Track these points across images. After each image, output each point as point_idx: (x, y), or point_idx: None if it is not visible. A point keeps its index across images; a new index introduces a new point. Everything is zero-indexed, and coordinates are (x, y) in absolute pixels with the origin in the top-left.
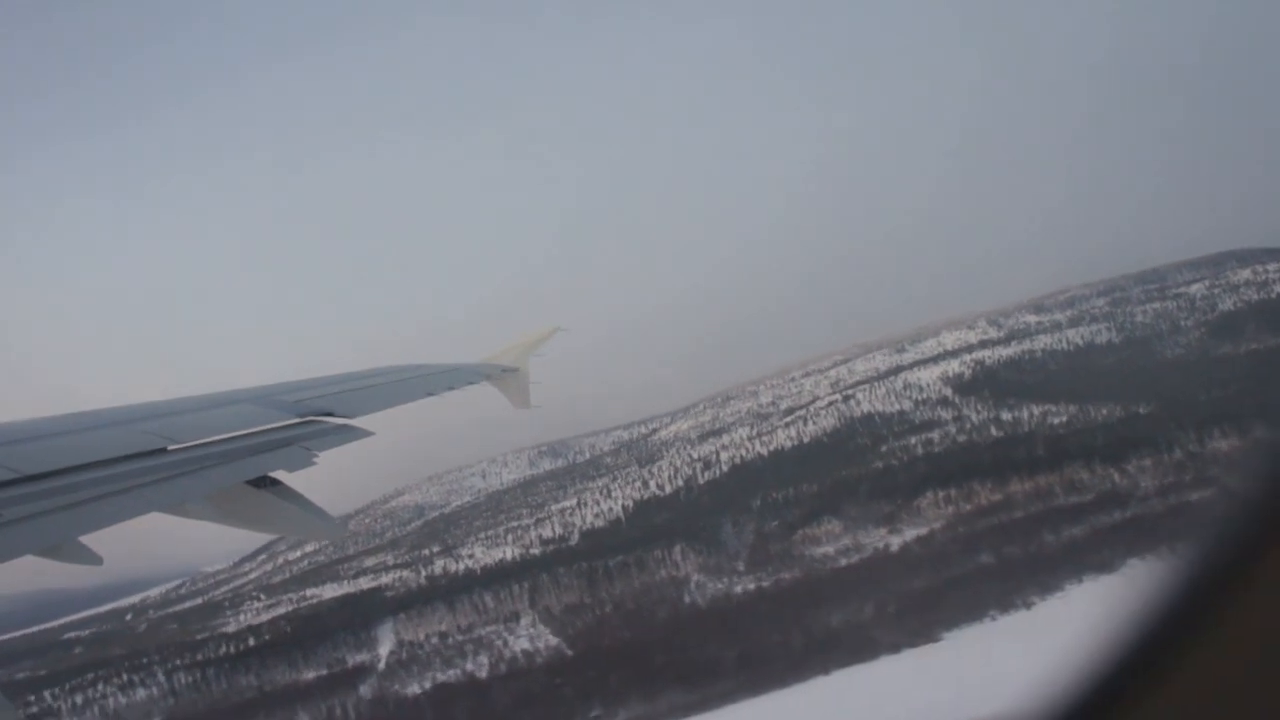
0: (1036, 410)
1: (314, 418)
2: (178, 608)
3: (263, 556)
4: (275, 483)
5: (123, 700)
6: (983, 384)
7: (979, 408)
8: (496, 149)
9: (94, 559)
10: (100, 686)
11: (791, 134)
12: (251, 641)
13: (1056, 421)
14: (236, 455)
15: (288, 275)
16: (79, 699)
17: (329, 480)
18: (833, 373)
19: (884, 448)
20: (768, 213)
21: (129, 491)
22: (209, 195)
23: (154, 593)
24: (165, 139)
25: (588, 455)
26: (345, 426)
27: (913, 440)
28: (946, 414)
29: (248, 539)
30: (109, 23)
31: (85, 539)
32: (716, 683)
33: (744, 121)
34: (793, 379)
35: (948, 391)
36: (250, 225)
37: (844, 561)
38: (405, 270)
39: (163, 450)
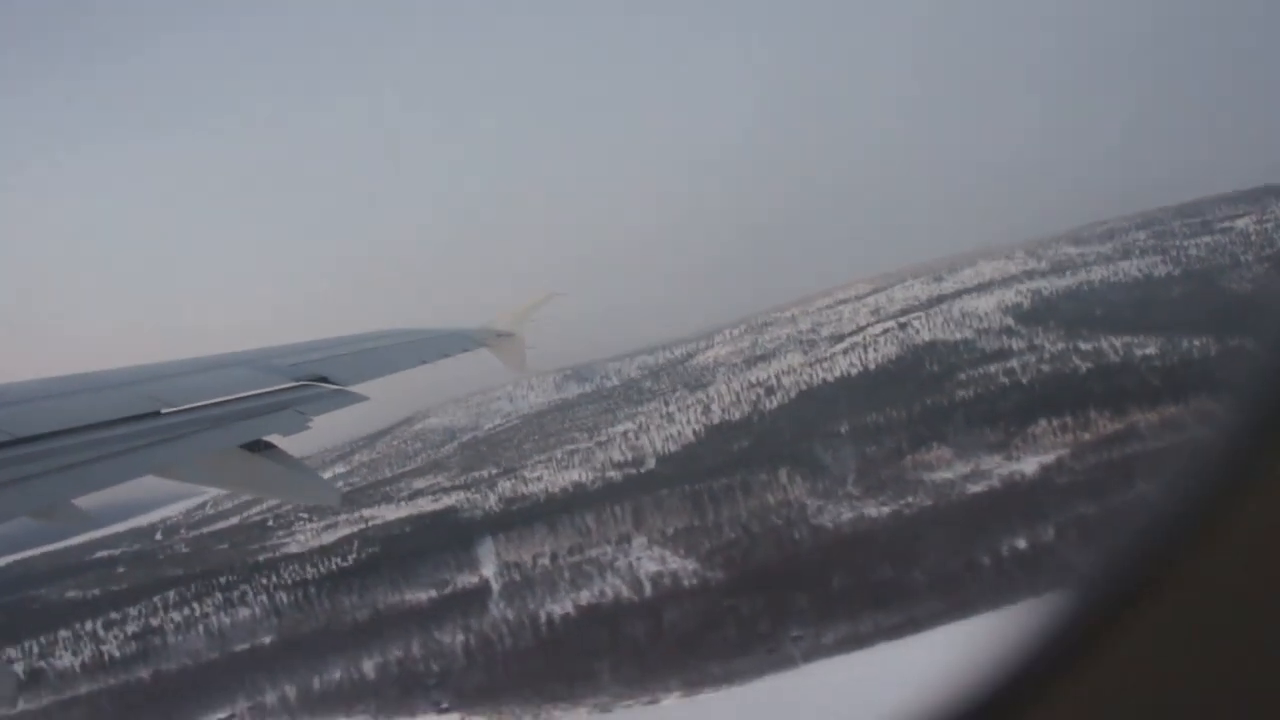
0: (1118, 341)
1: (308, 381)
2: (215, 527)
3: None
4: (269, 446)
5: (226, 619)
6: (1046, 314)
7: (1051, 337)
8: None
9: (87, 521)
10: (187, 606)
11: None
12: (335, 562)
13: (1146, 352)
14: (230, 419)
15: (282, 239)
16: (160, 619)
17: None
18: (870, 300)
19: (962, 375)
20: (768, 136)
21: (123, 454)
22: (203, 157)
23: (170, 513)
24: (152, 89)
25: (615, 380)
26: (340, 391)
27: (992, 368)
28: (1018, 343)
29: None
30: None
31: (78, 501)
32: (916, 604)
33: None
34: (828, 306)
35: (1009, 321)
36: (245, 188)
37: (977, 487)
38: (401, 234)
39: (156, 413)
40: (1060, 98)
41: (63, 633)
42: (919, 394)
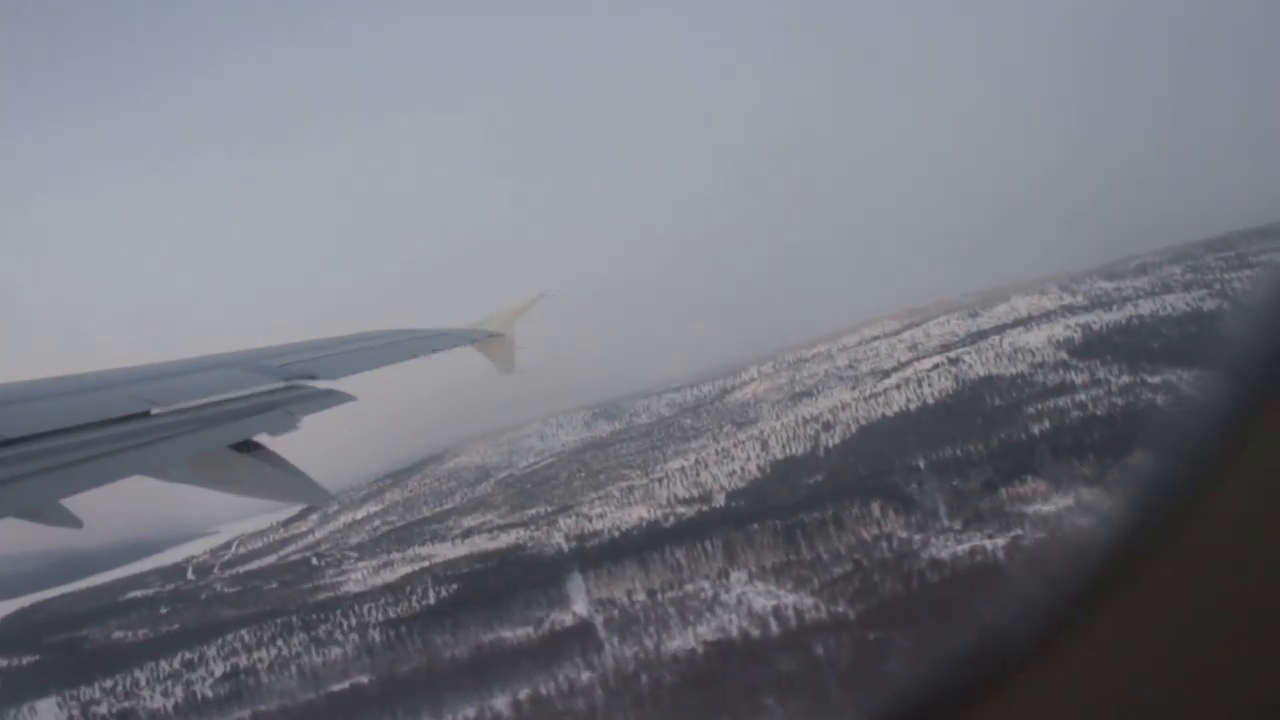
0: (1185, 374)
1: (298, 381)
2: (253, 566)
3: (313, 518)
4: (258, 447)
5: (317, 659)
6: (1100, 348)
7: (1113, 370)
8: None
9: (74, 522)
10: (267, 646)
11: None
12: (414, 600)
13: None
14: (219, 419)
15: (271, 240)
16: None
17: (313, 444)
18: (905, 336)
19: (1030, 409)
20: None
21: (111, 455)
22: (189, 158)
23: (190, 551)
24: (141, 105)
25: (646, 417)
26: (329, 391)
27: (1060, 401)
28: (1079, 376)
29: (241, 503)
30: None
31: (66, 502)
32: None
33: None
34: (861, 342)
35: (1063, 355)
36: (232, 191)
37: (1086, 520)
38: (387, 237)
39: (145, 414)
40: (1072, 134)
41: (135, 674)
42: (991, 427)
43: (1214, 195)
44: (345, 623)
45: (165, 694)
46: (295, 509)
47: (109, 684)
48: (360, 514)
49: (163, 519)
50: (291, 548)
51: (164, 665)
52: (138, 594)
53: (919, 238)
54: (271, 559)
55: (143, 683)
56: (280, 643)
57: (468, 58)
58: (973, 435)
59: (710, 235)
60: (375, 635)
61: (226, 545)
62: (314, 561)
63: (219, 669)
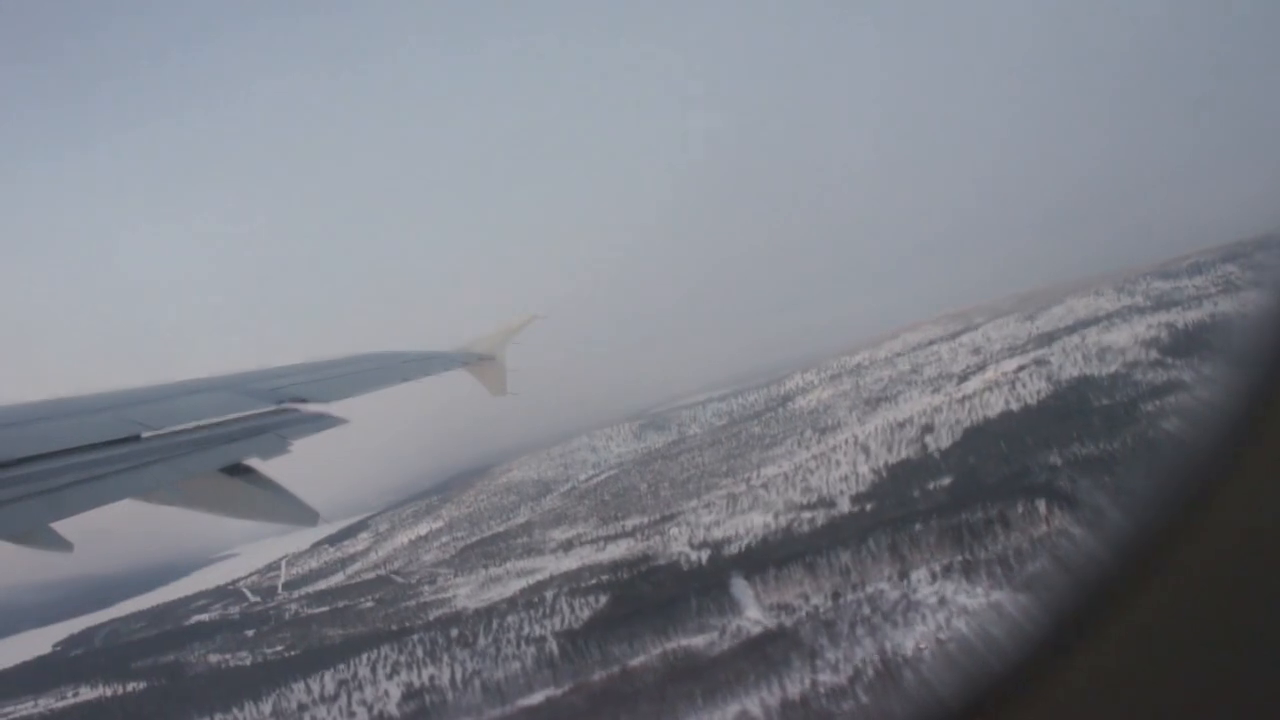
0: None
1: (289, 405)
2: (319, 586)
3: (363, 537)
4: (249, 470)
5: (499, 673)
6: (1192, 346)
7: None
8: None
9: (64, 545)
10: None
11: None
12: (565, 614)
13: None
14: (210, 442)
15: (262, 263)
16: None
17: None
18: (964, 339)
19: (1148, 406)
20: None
21: (102, 478)
22: (185, 182)
23: (223, 573)
24: (142, 128)
25: (697, 428)
26: (320, 414)
27: (1173, 399)
28: (1185, 374)
29: (239, 527)
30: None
31: (57, 525)
32: None
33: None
34: (916, 347)
35: (1155, 354)
36: (224, 215)
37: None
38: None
39: (136, 437)
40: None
41: (290, 693)
42: (1115, 425)
43: (1234, 198)
44: (500, 637)
45: (349, 715)
46: (334, 528)
47: (265, 707)
48: (421, 530)
49: (163, 545)
50: (356, 566)
51: (313, 686)
52: (204, 618)
53: (934, 244)
54: (338, 578)
55: (308, 703)
56: (442, 658)
57: (468, 63)
58: (1099, 433)
59: (706, 246)
60: (546, 648)
61: (271, 567)
62: (398, 579)
63: (387, 687)
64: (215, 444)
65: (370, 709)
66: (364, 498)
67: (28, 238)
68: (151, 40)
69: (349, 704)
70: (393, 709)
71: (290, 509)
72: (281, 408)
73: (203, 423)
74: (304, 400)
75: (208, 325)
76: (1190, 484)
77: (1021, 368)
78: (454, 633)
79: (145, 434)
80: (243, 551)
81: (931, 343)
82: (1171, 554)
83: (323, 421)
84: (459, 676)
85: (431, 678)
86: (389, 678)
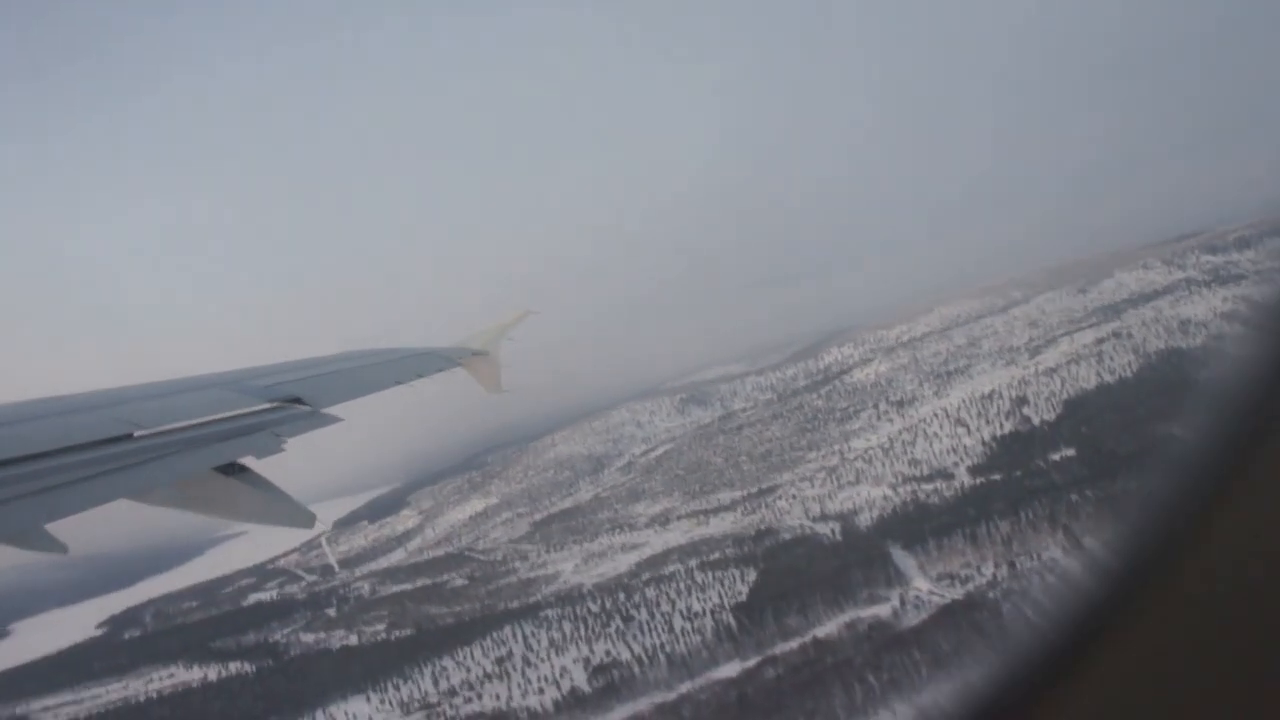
0: None
1: (283, 403)
2: (382, 564)
3: (406, 515)
4: (243, 469)
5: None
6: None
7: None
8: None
9: (59, 547)
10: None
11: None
12: (711, 590)
13: None
14: (204, 441)
15: (257, 260)
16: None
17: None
18: (1016, 312)
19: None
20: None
21: (95, 478)
22: (179, 179)
23: (254, 550)
24: (134, 120)
25: (741, 402)
26: (315, 412)
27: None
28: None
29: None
30: None
31: (50, 526)
32: None
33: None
34: (966, 320)
35: (1239, 328)
36: (218, 212)
37: None
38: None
39: (129, 436)
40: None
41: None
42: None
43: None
44: (654, 611)
45: (539, 691)
46: (359, 501)
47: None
48: (476, 506)
49: (167, 525)
50: (414, 543)
51: (466, 663)
52: (262, 597)
53: (947, 219)
54: (398, 555)
55: (472, 680)
56: (603, 634)
57: (468, 55)
58: (1209, 407)
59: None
60: (721, 620)
61: (312, 545)
62: (478, 556)
63: (562, 663)
64: (209, 443)
65: (556, 685)
66: (377, 472)
67: (22, 236)
68: (151, 41)
69: (524, 680)
70: (582, 684)
71: (285, 510)
72: (275, 406)
73: (196, 421)
74: (298, 399)
75: (205, 325)
76: (1205, 483)
77: (1101, 340)
78: (592, 607)
79: (138, 433)
80: (250, 530)
81: (980, 316)
82: (1187, 554)
83: (318, 419)
84: (639, 652)
85: (608, 653)
86: (558, 654)
